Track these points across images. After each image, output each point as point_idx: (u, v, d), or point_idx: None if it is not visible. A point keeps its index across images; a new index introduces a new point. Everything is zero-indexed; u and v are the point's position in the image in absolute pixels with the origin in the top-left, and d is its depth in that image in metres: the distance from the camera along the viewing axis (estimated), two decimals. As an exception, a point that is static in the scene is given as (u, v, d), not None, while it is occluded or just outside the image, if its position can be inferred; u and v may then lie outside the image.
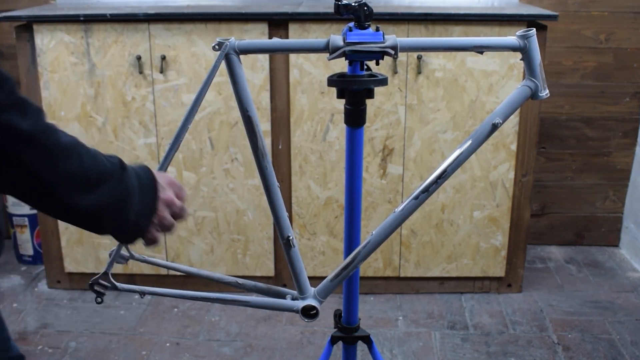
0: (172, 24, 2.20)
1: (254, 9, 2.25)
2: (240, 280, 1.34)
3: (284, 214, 1.22)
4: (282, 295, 1.28)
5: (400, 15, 2.19)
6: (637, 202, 2.82)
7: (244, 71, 1.17)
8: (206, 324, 2.33)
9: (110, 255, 1.30)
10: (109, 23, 2.20)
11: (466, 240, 2.43)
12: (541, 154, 2.82)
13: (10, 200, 2.68)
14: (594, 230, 2.96)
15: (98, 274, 1.31)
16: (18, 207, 2.68)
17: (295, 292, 1.27)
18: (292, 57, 2.22)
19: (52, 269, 2.53)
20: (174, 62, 2.24)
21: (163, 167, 1.23)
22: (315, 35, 2.20)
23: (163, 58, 2.23)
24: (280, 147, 2.34)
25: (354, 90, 1.21)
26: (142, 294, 1.31)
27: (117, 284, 1.31)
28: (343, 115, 1.25)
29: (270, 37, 2.21)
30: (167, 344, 2.21)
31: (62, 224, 2.43)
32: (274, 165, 2.32)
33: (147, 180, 0.91)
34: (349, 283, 1.41)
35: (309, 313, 1.25)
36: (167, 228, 0.94)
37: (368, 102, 1.23)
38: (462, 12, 2.21)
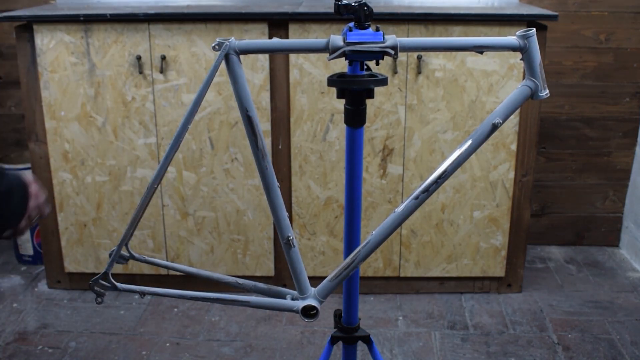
0: (172, 24, 2.20)
1: (254, 9, 2.25)
2: (240, 281, 1.34)
3: (284, 214, 1.22)
4: (282, 296, 1.29)
5: (400, 15, 2.19)
6: (637, 202, 2.82)
7: (244, 71, 1.17)
8: (206, 324, 2.33)
9: (110, 255, 1.30)
10: (109, 23, 2.20)
11: (466, 240, 2.43)
12: (541, 154, 2.82)
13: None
14: (594, 230, 2.96)
15: (98, 274, 1.31)
16: (18, 207, 2.68)
17: (295, 292, 1.27)
18: (292, 57, 2.22)
19: (52, 269, 2.53)
20: (174, 62, 2.24)
21: (163, 167, 1.24)
22: (315, 35, 2.21)
23: (163, 58, 2.23)
24: (280, 147, 2.34)
25: (354, 90, 1.21)
26: (142, 294, 1.31)
27: (117, 284, 1.31)
28: (343, 115, 1.25)
29: (270, 37, 2.21)
30: (167, 344, 2.21)
31: (62, 224, 2.43)
32: (274, 165, 2.32)
33: (17, 185, 1.06)
34: (349, 283, 1.41)
35: (309, 313, 1.25)
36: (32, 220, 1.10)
37: (368, 102, 1.24)
38: (462, 12, 2.21)
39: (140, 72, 2.25)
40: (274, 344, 2.21)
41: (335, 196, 2.37)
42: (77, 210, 2.41)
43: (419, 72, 2.23)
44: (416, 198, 1.18)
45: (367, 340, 1.47)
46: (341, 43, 1.12)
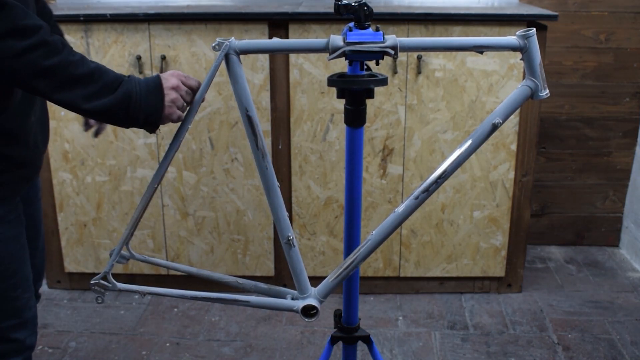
0: (172, 24, 2.20)
1: (254, 9, 2.25)
2: (241, 280, 1.34)
3: (284, 214, 1.22)
4: (283, 295, 1.29)
5: (400, 15, 2.19)
6: (637, 202, 2.82)
7: (244, 71, 1.17)
8: (206, 324, 2.33)
9: (110, 255, 1.30)
10: (109, 23, 2.20)
11: (466, 240, 2.43)
12: (541, 154, 2.82)
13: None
14: (594, 230, 2.96)
15: (98, 274, 1.31)
16: (18, 207, 2.68)
17: (295, 292, 1.27)
18: (292, 57, 2.22)
19: (52, 269, 2.53)
20: (174, 62, 2.24)
21: (163, 167, 1.24)
22: (315, 35, 2.21)
23: (163, 58, 2.23)
24: (280, 147, 2.34)
25: (354, 90, 1.21)
26: (143, 293, 1.31)
27: (118, 284, 1.31)
28: (343, 115, 1.25)
29: (270, 37, 2.21)
30: (167, 344, 2.21)
31: (62, 224, 2.43)
32: (274, 165, 2.32)
33: (153, 86, 1.18)
34: (349, 283, 1.41)
35: (309, 313, 1.25)
36: (181, 108, 1.21)
37: (368, 102, 1.24)
38: (462, 12, 2.21)
39: (140, 72, 2.25)
40: (274, 344, 2.21)
41: (335, 196, 2.37)
42: (77, 210, 2.41)
43: (419, 72, 2.23)
44: (416, 198, 1.18)
45: (367, 340, 1.47)
46: (341, 43, 1.12)
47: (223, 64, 1.16)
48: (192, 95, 1.22)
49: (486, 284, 2.53)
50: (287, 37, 2.21)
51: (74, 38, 2.22)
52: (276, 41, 1.17)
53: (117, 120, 1.16)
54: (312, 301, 1.25)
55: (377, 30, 1.14)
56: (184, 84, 1.21)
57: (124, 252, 1.35)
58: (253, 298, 1.28)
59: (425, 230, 2.41)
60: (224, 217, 2.41)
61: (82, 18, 2.19)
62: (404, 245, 2.43)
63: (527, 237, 2.48)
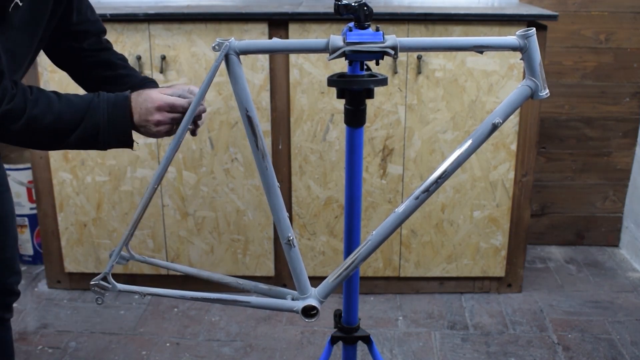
0: (172, 24, 2.20)
1: (254, 9, 2.25)
2: (241, 281, 1.34)
3: (284, 214, 1.22)
4: (283, 296, 1.28)
5: (400, 15, 2.19)
6: (637, 202, 2.82)
7: (243, 71, 1.17)
8: (206, 324, 2.33)
9: (110, 256, 1.30)
10: (109, 23, 2.20)
11: (466, 240, 2.43)
12: (541, 154, 2.82)
13: (10, 200, 2.68)
14: (594, 230, 2.96)
15: (98, 274, 1.31)
16: (18, 207, 2.68)
17: (295, 293, 1.27)
18: (292, 57, 2.22)
19: (52, 269, 2.53)
20: (174, 62, 2.24)
21: (163, 168, 1.24)
22: (315, 35, 2.21)
23: (163, 58, 2.23)
24: (280, 147, 2.34)
25: (354, 90, 1.21)
26: (143, 294, 1.31)
27: (118, 285, 1.31)
28: (343, 115, 1.25)
29: (270, 37, 2.21)
30: (167, 344, 2.21)
31: (62, 224, 2.43)
32: (274, 165, 2.32)
33: (121, 109, 1.25)
34: (349, 283, 1.41)
35: (309, 313, 1.25)
36: (170, 125, 1.26)
37: (368, 102, 1.23)
38: (462, 12, 2.21)
39: (141, 72, 2.24)
40: (274, 344, 2.21)
41: (335, 196, 2.37)
42: (77, 210, 2.41)
43: (419, 72, 2.23)
44: (416, 198, 1.18)
45: (367, 340, 1.47)
46: (341, 43, 1.12)
47: (223, 64, 1.16)
48: (183, 113, 1.25)
49: (486, 284, 2.53)
50: (287, 37, 2.21)
51: (74, 38, 2.22)
52: (276, 41, 1.17)
53: (91, 147, 1.24)
54: (312, 301, 1.25)
55: (377, 30, 1.14)
56: (172, 106, 1.25)
57: (124, 252, 1.35)
58: (253, 299, 1.28)
59: (425, 230, 2.41)
60: (224, 217, 2.41)
61: (82, 18, 2.19)
62: (404, 245, 2.43)
63: (527, 237, 2.48)
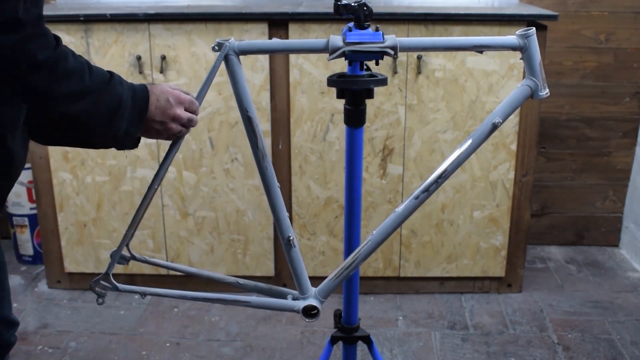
0: (172, 24, 2.20)
1: (254, 9, 2.25)
2: (241, 281, 1.34)
3: (285, 215, 1.22)
4: (283, 296, 1.29)
5: (400, 15, 2.19)
6: (637, 202, 2.82)
7: (243, 72, 1.17)
8: (206, 324, 2.33)
9: (111, 256, 1.30)
10: (109, 23, 2.20)
11: (466, 240, 2.43)
12: (541, 154, 2.82)
13: (10, 200, 2.68)
14: (594, 230, 2.96)
15: (98, 274, 1.31)
16: (18, 207, 2.68)
17: (296, 292, 1.27)
18: (292, 57, 2.22)
19: (52, 269, 2.53)
20: (174, 62, 2.24)
21: (163, 168, 1.24)
22: (315, 35, 2.21)
23: (163, 58, 2.23)
24: (280, 147, 2.34)
25: (354, 90, 1.21)
26: (143, 294, 1.31)
27: (118, 285, 1.31)
28: (343, 115, 1.25)
29: (270, 37, 2.21)
30: (167, 344, 2.21)
31: (62, 224, 2.43)
32: (274, 165, 2.32)
33: (140, 97, 1.11)
34: (349, 283, 1.41)
35: (309, 313, 1.25)
36: (174, 134, 1.18)
37: (368, 102, 1.24)
38: (462, 12, 2.21)
39: (141, 72, 2.25)
40: (274, 344, 2.21)
41: (335, 196, 2.37)
42: (77, 210, 2.41)
43: (419, 72, 2.23)
44: (416, 198, 1.18)
45: (367, 340, 1.47)
46: (341, 43, 1.12)
47: (223, 64, 1.16)
48: (196, 114, 1.22)
49: (486, 284, 2.53)
50: (287, 37, 2.21)
51: (74, 38, 2.22)
52: (276, 42, 1.17)
53: (105, 126, 1.07)
54: (312, 301, 1.25)
55: (377, 30, 1.14)
56: (192, 103, 1.19)
57: (125, 253, 1.35)
58: (254, 298, 1.28)
59: (425, 230, 2.41)
60: (224, 217, 2.41)
61: (82, 18, 2.19)
62: (404, 245, 2.43)
63: (527, 237, 2.48)
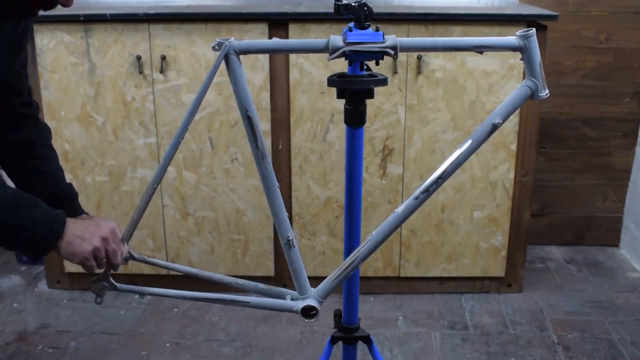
0: (172, 24, 2.20)
1: (254, 9, 2.25)
2: (241, 281, 1.34)
3: (284, 215, 1.22)
4: (282, 296, 1.28)
5: (400, 15, 2.19)
6: (637, 202, 2.82)
7: (244, 71, 1.17)
8: (206, 324, 2.33)
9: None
10: (109, 23, 2.20)
11: (466, 240, 2.43)
12: (541, 154, 2.82)
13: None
14: (594, 230, 2.96)
15: (98, 274, 1.31)
16: (18, 207, 2.68)
17: (295, 293, 1.27)
18: (292, 57, 2.22)
19: (52, 269, 2.53)
20: (174, 62, 2.24)
21: (163, 167, 1.23)
22: (315, 35, 2.20)
23: (163, 58, 2.23)
24: (280, 147, 2.34)
25: (354, 90, 1.21)
26: (142, 294, 1.31)
27: (117, 285, 1.31)
28: (343, 115, 1.25)
29: (270, 37, 2.21)
30: (167, 344, 2.21)
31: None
32: (274, 165, 2.32)
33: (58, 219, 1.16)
34: (349, 283, 1.41)
35: (309, 313, 1.25)
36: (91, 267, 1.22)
37: (368, 102, 1.23)
38: (462, 12, 2.21)
39: (140, 72, 2.25)
40: (274, 344, 2.21)
41: (335, 196, 2.37)
42: (77, 210, 2.40)
43: (419, 72, 2.23)
44: (416, 198, 1.17)
45: (367, 340, 1.47)
46: (341, 43, 1.12)
47: (223, 64, 1.16)
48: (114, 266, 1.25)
49: (486, 284, 2.53)
50: (287, 37, 2.21)
51: (74, 38, 2.22)
52: (276, 41, 1.17)
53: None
54: (311, 302, 1.25)
55: (377, 30, 1.14)
56: (107, 249, 1.22)
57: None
58: (253, 299, 1.28)
59: (425, 230, 2.41)
60: (224, 217, 2.40)
61: (82, 18, 2.19)
62: (404, 245, 2.43)
63: (527, 237, 2.48)
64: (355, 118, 1.24)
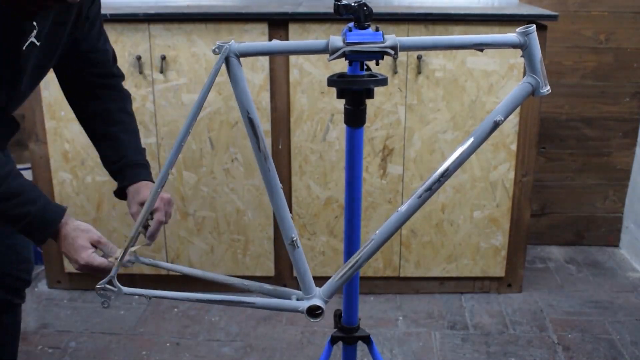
0: (172, 24, 2.20)
1: (254, 9, 2.25)
2: (246, 282, 1.33)
3: (288, 215, 1.22)
4: (288, 296, 1.28)
5: (400, 15, 2.19)
6: (637, 202, 2.82)
7: (244, 73, 1.17)
8: (206, 324, 2.33)
9: (115, 258, 1.30)
10: (109, 23, 2.20)
11: (466, 240, 2.43)
12: (541, 154, 2.82)
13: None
14: (594, 230, 2.96)
15: (102, 278, 1.31)
16: (18, 208, 2.68)
17: (300, 293, 1.27)
18: (292, 57, 2.22)
19: (52, 269, 2.53)
20: (174, 62, 2.24)
21: (166, 171, 1.23)
22: (315, 35, 2.21)
23: (163, 58, 2.23)
24: (280, 147, 2.34)
25: (354, 90, 1.21)
26: (148, 297, 1.31)
27: (123, 288, 1.31)
28: (343, 115, 1.25)
29: (270, 37, 2.21)
30: (167, 344, 2.21)
31: (62, 224, 2.43)
32: (274, 165, 2.32)
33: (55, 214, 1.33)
34: (349, 283, 1.40)
35: (314, 313, 1.25)
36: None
37: (368, 102, 1.23)
38: (462, 12, 2.21)
39: (140, 72, 2.25)
40: (274, 344, 2.21)
41: (335, 196, 2.37)
42: (77, 210, 2.40)
43: (419, 72, 2.23)
44: (419, 197, 1.17)
45: (367, 340, 1.47)
46: (341, 43, 1.12)
47: (223, 65, 1.16)
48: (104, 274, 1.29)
49: (486, 284, 2.53)
50: (287, 37, 2.21)
51: (74, 38, 2.22)
52: (276, 43, 1.17)
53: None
54: (317, 301, 1.25)
55: (377, 30, 1.14)
56: (96, 270, 1.27)
57: (130, 256, 1.35)
58: (258, 299, 1.28)
59: (425, 230, 2.41)
60: (224, 217, 2.40)
61: (82, 18, 2.19)
62: (404, 245, 2.43)
63: (527, 237, 2.48)
64: (355, 118, 1.24)
